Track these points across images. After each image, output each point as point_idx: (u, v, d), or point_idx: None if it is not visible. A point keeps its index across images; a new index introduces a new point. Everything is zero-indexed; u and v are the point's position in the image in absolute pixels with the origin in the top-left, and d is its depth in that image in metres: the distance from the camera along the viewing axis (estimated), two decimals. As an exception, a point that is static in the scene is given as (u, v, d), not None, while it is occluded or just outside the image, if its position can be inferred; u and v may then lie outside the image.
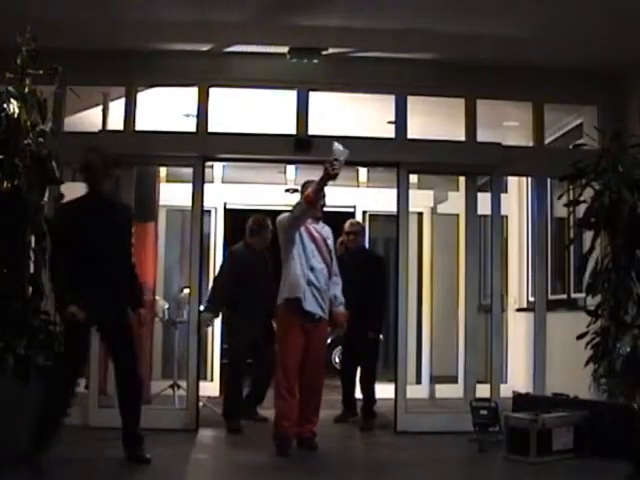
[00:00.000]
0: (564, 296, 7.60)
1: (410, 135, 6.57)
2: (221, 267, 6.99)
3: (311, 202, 5.14)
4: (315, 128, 6.47)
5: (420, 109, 6.85)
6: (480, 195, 6.77)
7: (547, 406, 5.37)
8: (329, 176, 4.98)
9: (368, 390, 6.70)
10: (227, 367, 6.64)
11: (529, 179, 8.03)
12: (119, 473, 4.71)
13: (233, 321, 6.59)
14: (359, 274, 6.46)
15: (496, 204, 6.67)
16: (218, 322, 8.58)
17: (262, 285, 6.37)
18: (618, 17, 5.47)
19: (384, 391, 6.89)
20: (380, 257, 7.53)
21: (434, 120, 7.29)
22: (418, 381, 8.52)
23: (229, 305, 6.55)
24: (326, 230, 5.56)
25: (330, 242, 5.54)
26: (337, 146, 4.97)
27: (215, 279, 6.98)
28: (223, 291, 6.56)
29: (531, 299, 8.19)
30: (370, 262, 6.87)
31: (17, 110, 4.89)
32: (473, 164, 6.56)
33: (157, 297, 7.62)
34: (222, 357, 8.55)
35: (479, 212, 6.76)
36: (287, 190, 8.84)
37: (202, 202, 6.45)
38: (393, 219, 6.68)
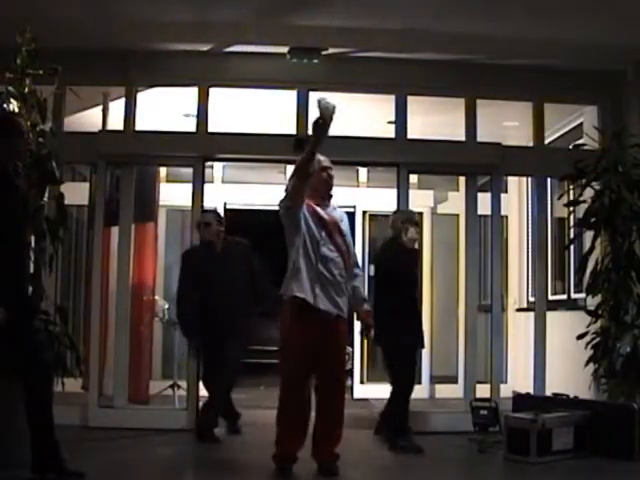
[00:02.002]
0: (564, 296, 7.60)
1: (410, 135, 6.57)
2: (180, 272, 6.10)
3: (301, 171, 4.36)
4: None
5: (420, 109, 6.86)
6: (480, 195, 6.77)
7: (547, 406, 5.37)
8: (317, 139, 4.27)
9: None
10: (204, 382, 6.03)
11: (529, 179, 8.04)
12: (119, 473, 4.71)
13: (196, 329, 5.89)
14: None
15: (496, 204, 6.67)
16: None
17: (226, 287, 5.78)
18: (618, 17, 5.47)
19: (384, 391, 6.88)
20: None
21: (434, 120, 7.29)
22: (418, 381, 8.50)
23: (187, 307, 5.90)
24: (338, 213, 4.73)
25: (344, 226, 4.69)
26: (323, 102, 4.27)
27: (178, 290, 6.02)
28: (187, 298, 5.88)
29: (531, 299, 8.19)
30: None
31: (17, 110, 4.89)
32: (473, 164, 6.56)
33: (157, 297, 7.62)
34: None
35: (479, 212, 6.76)
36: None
37: (202, 202, 6.45)
38: (393, 219, 6.66)
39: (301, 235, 4.51)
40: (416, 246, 5.90)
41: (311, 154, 4.33)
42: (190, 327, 5.87)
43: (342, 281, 4.57)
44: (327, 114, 4.22)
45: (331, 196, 4.70)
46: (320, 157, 4.55)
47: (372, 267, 8.80)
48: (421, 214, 8.79)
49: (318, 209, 4.58)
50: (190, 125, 6.68)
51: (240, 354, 5.89)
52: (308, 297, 4.44)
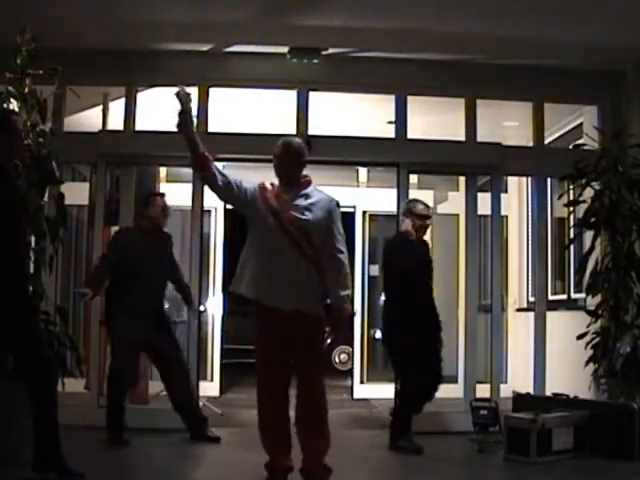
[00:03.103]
0: (564, 296, 7.60)
1: (410, 135, 6.57)
2: (104, 253, 5.89)
3: (195, 166, 4.10)
4: (315, 128, 6.47)
5: (420, 109, 6.86)
6: (480, 195, 6.77)
7: (547, 406, 5.37)
8: (184, 132, 4.03)
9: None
10: (108, 379, 5.62)
11: (529, 179, 8.03)
12: (119, 473, 4.71)
13: (115, 321, 5.58)
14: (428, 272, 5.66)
15: (496, 204, 6.67)
16: (218, 322, 8.64)
17: (155, 276, 5.59)
18: (618, 17, 5.47)
19: (384, 391, 6.88)
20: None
21: (434, 120, 7.29)
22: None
23: (109, 300, 5.67)
24: (316, 201, 4.13)
25: (310, 216, 4.06)
26: (180, 92, 4.07)
27: (99, 262, 5.81)
28: (103, 274, 5.61)
29: (531, 299, 8.18)
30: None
31: (17, 110, 4.89)
32: (473, 164, 6.56)
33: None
34: (222, 357, 8.58)
35: (479, 212, 6.76)
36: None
37: (202, 202, 6.45)
38: (393, 219, 6.67)
39: (252, 223, 4.12)
40: (418, 237, 5.60)
41: (191, 151, 4.01)
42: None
43: (300, 275, 4.02)
44: (185, 101, 4.05)
45: (302, 183, 4.17)
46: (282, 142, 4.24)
47: (372, 267, 8.85)
48: (421, 214, 8.80)
49: (273, 197, 4.08)
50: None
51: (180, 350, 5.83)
52: (257, 296, 4.06)
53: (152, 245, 5.64)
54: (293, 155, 4.19)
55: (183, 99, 4.03)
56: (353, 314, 4.79)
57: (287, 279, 4.02)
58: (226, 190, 4.06)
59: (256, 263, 4.05)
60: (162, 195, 5.94)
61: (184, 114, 4.01)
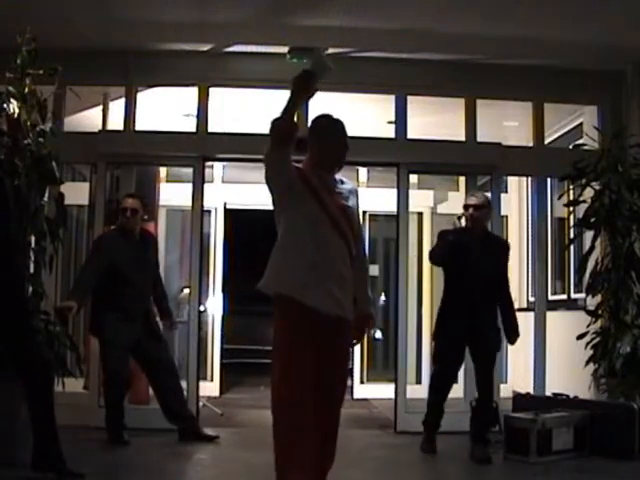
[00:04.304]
0: (564, 296, 7.60)
1: (410, 135, 6.57)
2: (87, 258, 5.89)
3: (278, 136, 3.35)
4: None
5: (420, 109, 6.86)
6: (480, 195, 6.76)
7: (547, 406, 5.37)
8: (300, 94, 3.43)
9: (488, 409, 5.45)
10: (103, 383, 5.61)
11: (529, 179, 8.04)
12: (119, 473, 4.71)
13: (103, 325, 5.50)
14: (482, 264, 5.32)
15: (496, 204, 6.66)
16: (218, 322, 8.63)
17: (141, 279, 5.57)
18: (618, 17, 5.47)
19: (384, 391, 6.88)
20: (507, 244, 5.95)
21: (434, 120, 7.29)
22: (418, 381, 8.50)
23: (97, 303, 5.60)
24: (347, 187, 3.56)
25: (352, 204, 3.52)
26: (322, 56, 3.66)
27: (81, 269, 5.85)
28: (88, 283, 5.49)
29: (531, 299, 8.18)
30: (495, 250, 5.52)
31: (17, 110, 4.90)
32: (473, 164, 6.56)
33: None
34: (222, 357, 8.57)
35: (479, 212, 6.75)
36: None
37: (202, 202, 6.44)
38: (393, 219, 6.67)
39: (289, 211, 3.42)
40: (470, 228, 5.40)
41: (288, 114, 3.36)
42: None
43: (345, 274, 3.39)
44: (321, 69, 3.44)
45: (339, 168, 3.57)
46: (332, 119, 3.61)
47: (372, 267, 8.85)
48: (421, 214, 8.81)
49: (316, 180, 3.44)
50: (190, 125, 6.68)
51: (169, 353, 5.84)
52: (295, 293, 3.31)
53: (135, 247, 5.63)
54: (344, 134, 3.55)
55: (320, 63, 3.47)
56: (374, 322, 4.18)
57: (333, 277, 3.34)
58: (284, 172, 3.39)
59: (294, 255, 3.35)
60: (131, 196, 5.80)
61: (313, 77, 3.40)
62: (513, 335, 5.41)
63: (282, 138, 3.33)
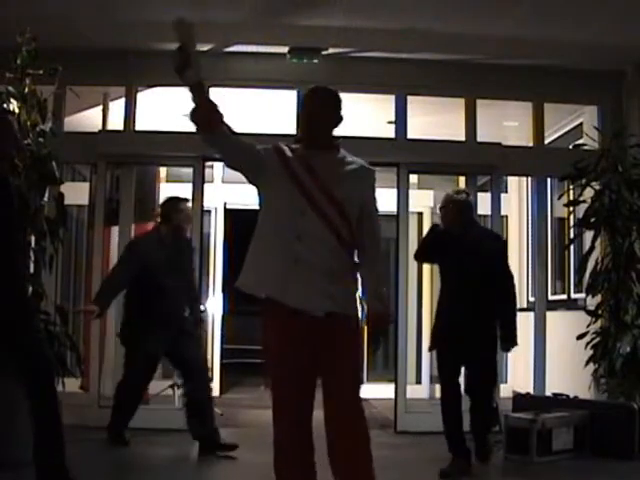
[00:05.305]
0: (564, 296, 7.60)
1: (410, 135, 6.57)
2: (118, 261, 5.64)
3: (202, 123, 3.05)
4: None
5: (420, 109, 6.86)
6: (480, 195, 6.77)
7: (547, 406, 5.37)
8: (179, 74, 3.03)
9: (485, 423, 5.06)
10: (120, 386, 5.47)
11: (529, 179, 8.04)
12: (119, 473, 4.71)
13: (135, 332, 5.34)
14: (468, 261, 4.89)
15: (496, 204, 6.67)
16: (218, 322, 8.63)
17: (174, 284, 5.30)
18: (618, 17, 5.47)
19: (384, 391, 6.88)
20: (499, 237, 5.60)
21: (434, 120, 7.29)
22: (418, 381, 8.51)
23: (127, 311, 5.51)
24: (351, 168, 3.16)
25: (349, 188, 3.07)
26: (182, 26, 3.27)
27: (111, 271, 5.70)
28: (117, 288, 5.43)
29: (531, 299, 8.18)
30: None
31: (17, 110, 4.90)
32: (473, 164, 6.56)
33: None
34: (222, 357, 8.57)
35: (479, 212, 6.75)
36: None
37: (202, 202, 6.45)
38: (393, 219, 6.67)
39: (267, 193, 3.12)
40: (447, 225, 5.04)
41: (196, 100, 3.02)
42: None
43: (332, 266, 3.00)
44: (185, 35, 3.17)
45: (328, 142, 3.17)
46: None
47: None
48: (421, 214, 8.81)
49: (298, 164, 3.06)
50: (190, 125, 6.65)
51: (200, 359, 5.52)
52: (276, 293, 2.99)
53: (173, 252, 5.38)
54: (322, 103, 3.18)
55: (182, 31, 3.16)
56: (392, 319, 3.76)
57: (316, 269, 2.98)
58: (236, 154, 3.14)
59: (272, 248, 3.01)
60: (187, 200, 5.67)
61: (183, 51, 3.06)
62: (506, 342, 4.94)
63: (205, 127, 3.04)
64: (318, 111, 3.15)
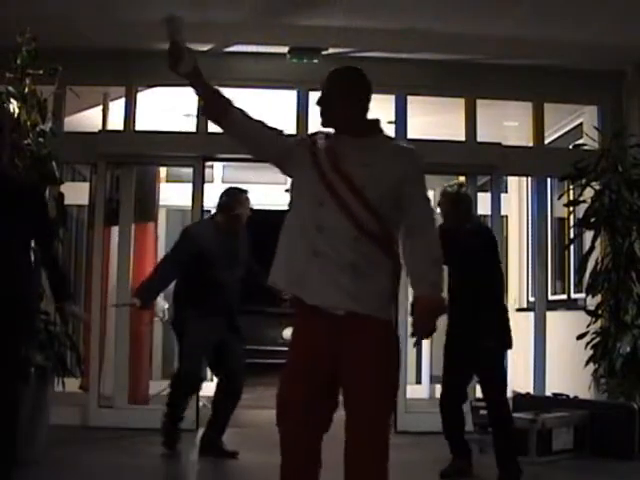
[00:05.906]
0: (564, 296, 7.60)
1: (410, 135, 6.57)
2: (172, 249, 5.41)
3: (212, 113, 3.04)
4: (315, 128, 6.45)
5: (420, 109, 6.86)
6: (480, 195, 6.77)
7: (547, 406, 5.37)
8: (173, 69, 3.02)
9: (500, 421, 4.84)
10: (175, 379, 5.39)
11: (529, 179, 8.03)
12: (119, 473, 4.71)
13: (189, 323, 5.18)
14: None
15: (496, 204, 6.67)
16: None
17: (229, 275, 5.13)
18: (618, 17, 5.47)
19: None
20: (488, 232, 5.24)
21: (434, 120, 7.29)
22: (418, 381, 8.51)
23: (179, 300, 5.34)
24: (383, 152, 2.88)
25: (373, 172, 2.78)
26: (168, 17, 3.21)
27: (160, 261, 5.58)
28: (166, 279, 5.30)
29: (531, 299, 8.18)
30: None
31: (17, 110, 4.90)
32: (473, 164, 6.56)
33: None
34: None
35: (479, 212, 6.76)
36: (287, 190, 8.79)
37: (202, 202, 6.44)
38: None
39: (295, 184, 2.98)
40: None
41: (202, 96, 3.05)
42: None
43: (362, 262, 2.72)
44: (175, 29, 3.16)
45: (356, 126, 2.99)
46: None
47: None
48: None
49: (323, 151, 2.92)
50: (190, 125, 6.68)
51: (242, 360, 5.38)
52: (296, 289, 2.80)
53: (229, 242, 5.20)
54: (340, 86, 3.04)
55: (172, 27, 3.15)
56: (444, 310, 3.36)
57: (335, 263, 2.71)
58: (259, 148, 3.06)
59: (295, 241, 2.80)
60: (247, 192, 5.45)
61: (174, 45, 3.06)
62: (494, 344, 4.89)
63: (215, 115, 2.99)
64: (335, 93, 3.02)
